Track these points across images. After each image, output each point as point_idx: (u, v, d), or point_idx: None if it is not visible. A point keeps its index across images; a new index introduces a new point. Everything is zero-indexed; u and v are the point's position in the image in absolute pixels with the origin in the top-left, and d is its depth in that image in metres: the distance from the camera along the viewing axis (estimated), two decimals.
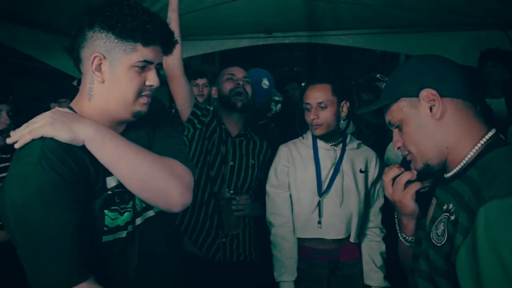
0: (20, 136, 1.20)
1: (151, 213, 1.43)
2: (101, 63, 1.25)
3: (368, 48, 4.40)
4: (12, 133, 1.23)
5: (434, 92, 1.19)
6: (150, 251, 1.42)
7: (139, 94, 1.30)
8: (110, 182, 1.31)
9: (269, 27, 4.18)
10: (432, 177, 1.38)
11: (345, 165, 2.27)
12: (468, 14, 3.39)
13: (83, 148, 1.23)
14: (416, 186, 1.35)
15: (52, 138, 1.18)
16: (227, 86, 2.43)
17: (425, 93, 1.20)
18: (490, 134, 1.18)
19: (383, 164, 2.42)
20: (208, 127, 2.43)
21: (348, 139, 2.34)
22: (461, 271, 1.03)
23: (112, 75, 1.26)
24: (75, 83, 3.99)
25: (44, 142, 1.18)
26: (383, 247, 2.29)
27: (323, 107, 2.18)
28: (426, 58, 1.26)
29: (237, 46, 4.42)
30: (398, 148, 1.32)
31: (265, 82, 3.10)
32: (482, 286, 0.96)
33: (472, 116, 1.21)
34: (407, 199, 1.35)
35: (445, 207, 1.19)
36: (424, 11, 3.44)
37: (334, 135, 2.28)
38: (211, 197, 2.39)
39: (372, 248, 2.29)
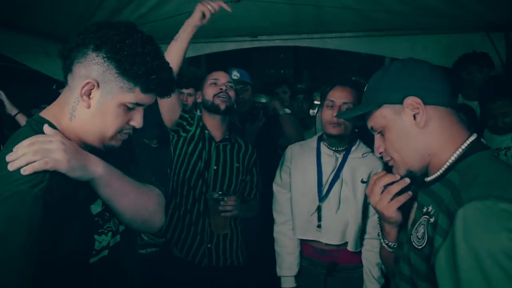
0: (27, 161, 1.09)
1: (122, 227, 1.41)
2: (92, 89, 1.20)
3: (353, 51, 4.42)
4: (10, 157, 1.11)
5: (418, 100, 1.18)
6: (128, 263, 1.46)
7: (119, 132, 1.28)
8: (95, 209, 1.28)
9: (254, 30, 4.18)
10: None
11: (346, 174, 2.27)
12: (452, 17, 3.43)
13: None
14: (404, 198, 1.31)
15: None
16: (211, 91, 2.45)
17: (409, 101, 1.19)
18: (471, 139, 1.19)
19: None
20: (193, 134, 2.44)
21: (354, 147, 2.32)
22: (440, 273, 1.03)
23: (99, 105, 1.22)
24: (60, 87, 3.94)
25: (53, 174, 1.12)
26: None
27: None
28: (409, 64, 1.26)
29: (223, 49, 4.40)
30: (380, 153, 1.32)
31: (235, 74, 3.13)
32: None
33: (455, 123, 1.21)
34: (390, 212, 1.31)
35: (425, 209, 1.19)
36: (408, 14, 3.47)
37: (343, 140, 2.29)
38: (195, 203, 2.39)
39: (369, 260, 2.29)
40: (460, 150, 1.18)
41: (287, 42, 4.36)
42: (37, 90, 3.75)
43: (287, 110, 3.18)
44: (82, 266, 1.23)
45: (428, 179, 1.25)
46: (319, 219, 2.25)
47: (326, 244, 2.27)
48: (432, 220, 1.13)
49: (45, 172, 1.10)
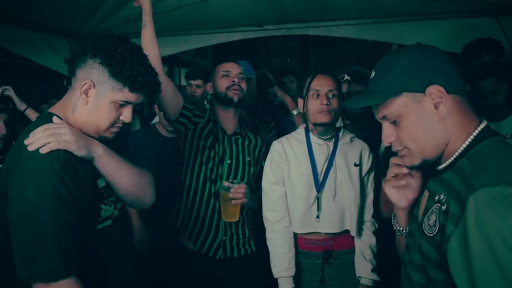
0: (43, 142, 1.36)
1: (120, 204, 1.71)
2: (89, 89, 1.46)
3: (359, 38, 4.38)
4: (28, 141, 1.38)
5: (442, 89, 1.16)
6: (125, 237, 1.77)
7: (111, 125, 1.53)
8: (100, 183, 1.58)
9: (260, 20, 4.16)
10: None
11: (339, 160, 2.27)
12: (459, 1, 3.39)
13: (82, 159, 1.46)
14: (394, 181, 1.39)
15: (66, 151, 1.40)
16: (223, 83, 2.43)
17: (433, 89, 1.17)
18: (482, 126, 1.18)
19: (375, 157, 2.42)
20: (204, 128, 2.43)
21: (341, 134, 2.34)
22: (452, 260, 1.03)
23: (95, 102, 1.48)
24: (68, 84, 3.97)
25: (65, 152, 1.39)
26: (373, 240, 2.30)
27: (333, 96, 2.22)
28: (426, 50, 1.21)
29: (229, 39, 4.39)
30: (390, 143, 1.29)
31: None
32: (473, 275, 0.97)
33: (468, 111, 1.20)
34: (386, 188, 1.41)
35: (436, 198, 1.19)
36: None
37: (330, 128, 2.29)
38: (210, 197, 2.40)
39: (362, 242, 2.29)
40: (471, 137, 1.17)
41: (293, 31, 4.32)
42: (46, 86, 3.78)
43: (296, 111, 3.14)
44: (91, 231, 1.51)
45: (440, 167, 1.24)
46: (318, 209, 2.24)
47: (326, 234, 2.26)
48: (443, 207, 1.12)
49: (58, 150, 1.37)
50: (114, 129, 1.55)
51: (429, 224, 1.17)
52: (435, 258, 1.12)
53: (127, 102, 1.51)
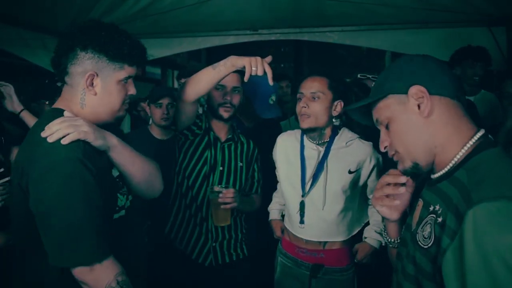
0: (63, 133, 1.38)
1: (130, 196, 1.74)
2: (93, 78, 1.49)
3: (353, 45, 4.41)
4: (45, 133, 1.39)
5: (423, 88, 1.17)
6: (136, 229, 1.81)
7: (123, 102, 1.59)
8: (114, 173, 1.64)
9: (255, 24, 4.16)
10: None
11: (330, 166, 2.17)
12: (453, 11, 3.41)
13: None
14: (388, 201, 1.38)
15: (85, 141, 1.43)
16: (217, 97, 2.38)
17: (414, 89, 1.18)
18: (479, 134, 1.17)
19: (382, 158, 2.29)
20: (201, 137, 2.43)
21: (337, 137, 2.22)
22: (446, 274, 1.01)
23: (104, 89, 1.52)
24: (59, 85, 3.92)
25: (84, 143, 1.42)
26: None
27: (315, 98, 2.11)
28: (415, 58, 1.25)
29: (223, 43, 4.39)
30: (385, 147, 1.30)
31: (273, 98, 3.02)
32: None
33: (461, 116, 1.19)
34: (377, 206, 1.40)
35: (431, 208, 1.17)
36: (409, 7, 3.45)
37: (321, 134, 2.20)
38: (201, 204, 2.39)
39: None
40: (467, 146, 1.16)
41: (288, 36, 4.34)
42: (36, 85, 3.74)
43: None
44: (109, 221, 1.53)
45: (435, 176, 1.23)
46: (302, 215, 2.20)
47: (311, 242, 2.22)
48: (440, 219, 1.10)
49: (78, 141, 1.40)
50: (125, 106, 1.62)
51: (423, 235, 1.15)
52: (429, 271, 1.10)
53: (129, 77, 1.57)
